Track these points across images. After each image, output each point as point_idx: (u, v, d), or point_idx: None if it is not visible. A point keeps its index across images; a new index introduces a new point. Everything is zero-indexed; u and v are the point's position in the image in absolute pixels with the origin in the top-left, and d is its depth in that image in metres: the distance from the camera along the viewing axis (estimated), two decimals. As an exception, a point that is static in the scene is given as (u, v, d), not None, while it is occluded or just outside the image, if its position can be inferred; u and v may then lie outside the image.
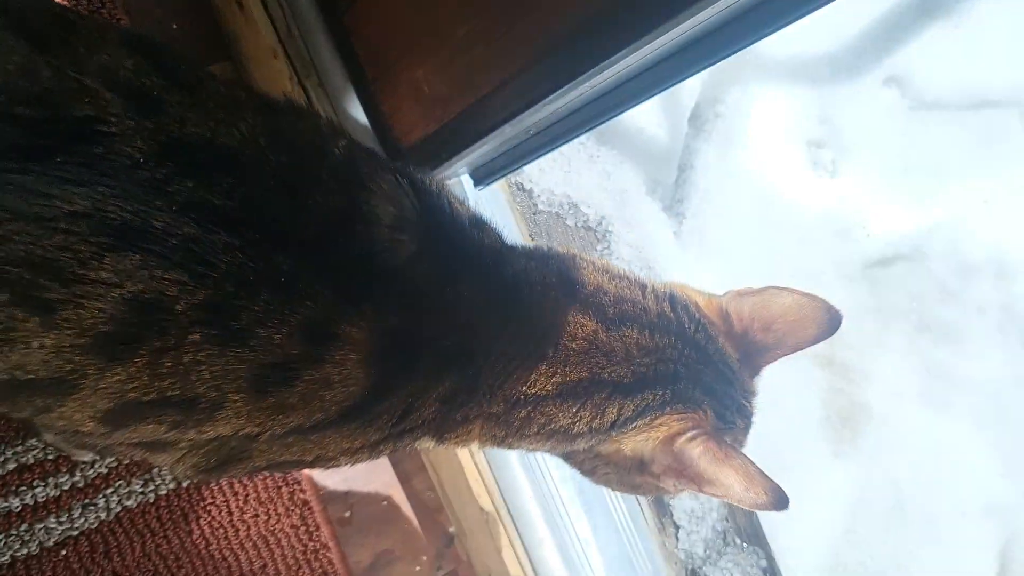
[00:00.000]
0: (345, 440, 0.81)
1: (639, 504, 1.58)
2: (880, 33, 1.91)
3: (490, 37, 1.05)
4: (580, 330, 0.85)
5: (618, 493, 1.50)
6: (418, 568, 1.52)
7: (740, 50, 0.94)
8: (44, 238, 0.62)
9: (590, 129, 1.21)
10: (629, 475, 0.94)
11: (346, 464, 0.89)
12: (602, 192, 1.57)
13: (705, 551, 1.62)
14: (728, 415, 0.90)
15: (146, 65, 0.70)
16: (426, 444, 0.91)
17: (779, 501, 0.84)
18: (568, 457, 0.99)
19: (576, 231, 1.56)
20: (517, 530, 1.45)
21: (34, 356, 0.66)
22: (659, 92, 1.10)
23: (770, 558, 1.70)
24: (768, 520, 1.72)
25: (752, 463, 0.85)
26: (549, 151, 1.29)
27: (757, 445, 1.72)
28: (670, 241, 1.66)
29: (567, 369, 0.85)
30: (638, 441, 0.90)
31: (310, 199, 0.73)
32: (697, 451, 0.86)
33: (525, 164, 1.31)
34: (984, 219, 2.03)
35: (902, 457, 1.91)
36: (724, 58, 0.95)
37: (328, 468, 0.92)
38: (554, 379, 0.86)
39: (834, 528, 1.83)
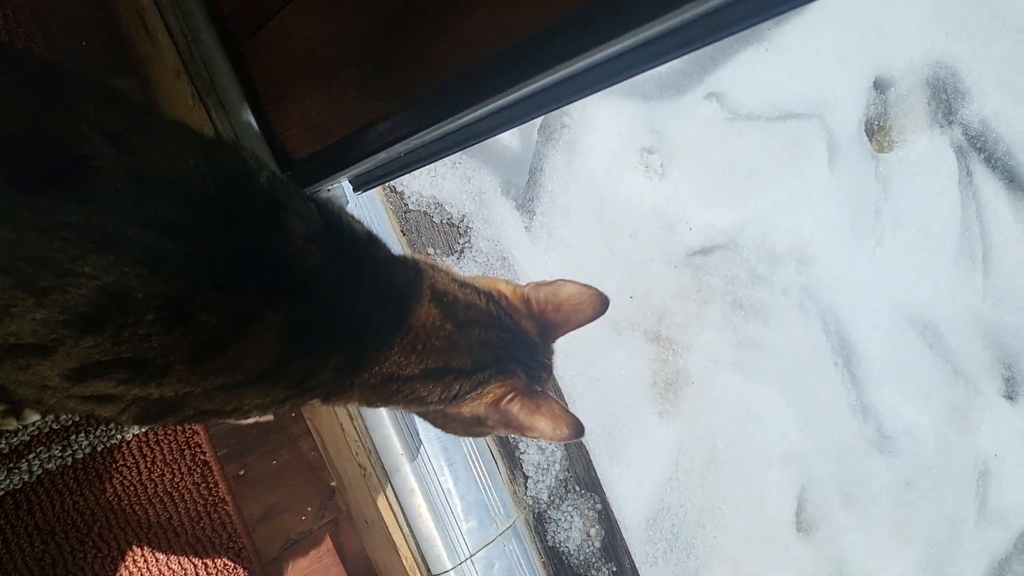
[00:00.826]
0: (258, 396, 1.03)
1: (494, 459, 1.86)
2: (701, 55, 2.22)
3: (366, 83, 1.28)
4: (441, 331, 1.12)
5: (474, 447, 1.78)
6: (303, 517, 1.75)
7: (584, 97, 1.21)
8: (46, 243, 0.83)
9: (455, 152, 1.46)
10: (471, 427, 1.22)
11: (256, 416, 1.12)
12: (463, 193, 1.82)
13: (549, 497, 1.92)
14: (535, 373, 1.19)
15: (118, 112, 0.92)
16: (315, 403, 1.16)
17: (578, 431, 1.14)
18: (423, 415, 1.26)
19: (441, 227, 1.81)
20: (390, 482, 1.70)
21: (27, 326, 0.86)
22: (515, 127, 1.37)
23: (604, 502, 2.01)
24: (603, 470, 2.03)
25: (558, 404, 1.15)
26: (419, 168, 1.53)
27: (596, 407, 2.03)
28: (522, 235, 1.93)
29: (428, 359, 1.12)
30: (473, 406, 1.18)
31: (242, 216, 0.96)
32: (515, 408, 1.15)
33: (398, 176, 1.55)
34: (788, 214, 2.39)
35: (717, 416, 2.24)
36: (573, 102, 1.22)
37: (240, 419, 1.16)
38: (420, 365, 1.12)
39: (659, 476, 2.15)
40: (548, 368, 1.25)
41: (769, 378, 2.35)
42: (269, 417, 1.73)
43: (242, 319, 0.94)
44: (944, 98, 2.97)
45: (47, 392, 1.02)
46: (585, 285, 1.23)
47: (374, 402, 1.18)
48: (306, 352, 1.01)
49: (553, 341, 1.25)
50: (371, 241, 1.13)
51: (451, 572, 1.73)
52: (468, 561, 1.74)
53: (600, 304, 1.24)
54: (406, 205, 1.76)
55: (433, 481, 1.72)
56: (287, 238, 0.98)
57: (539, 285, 1.24)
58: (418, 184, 1.76)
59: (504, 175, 1.91)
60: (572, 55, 1.05)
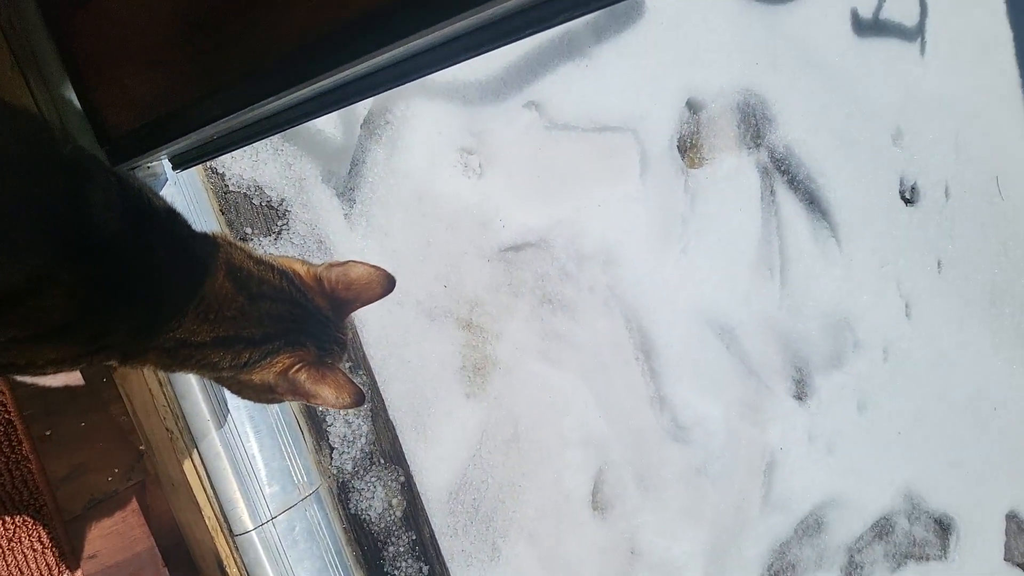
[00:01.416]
0: (51, 352, 1.12)
1: (300, 430, 1.98)
2: (522, 66, 2.41)
3: (185, 63, 1.38)
4: (234, 302, 1.23)
5: (281, 418, 1.90)
6: (109, 478, 1.82)
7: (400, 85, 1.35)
8: None
9: (271, 135, 1.57)
10: (263, 394, 1.34)
11: (52, 372, 1.21)
12: (283, 179, 1.93)
13: (353, 468, 2.05)
14: (327, 347, 1.32)
15: None
16: (112, 362, 1.25)
17: (359, 399, 1.28)
18: (219, 381, 1.37)
19: (260, 209, 1.92)
20: (196, 447, 1.80)
21: None
22: (329, 112, 1.49)
23: (408, 475, 2.16)
24: (409, 446, 2.18)
25: (344, 375, 1.28)
26: (237, 148, 1.64)
27: (407, 386, 2.17)
28: (341, 222, 2.05)
29: (219, 328, 1.22)
30: (263, 374, 1.30)
31: (43, 182, 1.05)
32: (302, 377, 1.28)
33: (216, 156, 1.65)
34: (598, 219, 2.60)
35: (521, 399, 2.42)
36: (383, 91, 1.35)
37: (37, 375, 1.24)
38: (211, 333, 1.23)
39: (463, 453, 2.31)
40: (341, 342, 1.38)
41: (572, 368, 2.55)
42: (79, 379, 1.79)
43: (36, 278, 1.03)
44: (753, 123, 3.27)
45: None
46: (374, 267, 1.37)
47: (169, 366, 1.28)
48: (99, 313, 1.10)
49: (345, 316, 1.39)
50: (170, 215, 1.24)
51: (252, 532, 1.84)
52: (269, 523, 1.85)
53: (387, 284, 1.38)
54: (227, 186, 1.86)
55: (238, 447, 1.82)
56: (87, 205, 1.08)
57: (331, 266, 1.37)
58: (239, 167, 1.86)
59: (326, 164, 2.03)
60: (384, 44, 1.17)
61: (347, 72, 1.26)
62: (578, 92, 2.56)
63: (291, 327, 1.28)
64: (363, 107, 2.11)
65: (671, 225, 2.87)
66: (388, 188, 2.14)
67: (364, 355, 2.08)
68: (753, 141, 3.29)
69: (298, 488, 1.91)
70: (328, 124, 2.02)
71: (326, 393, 1.28)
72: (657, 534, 2.78)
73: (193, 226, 1.29)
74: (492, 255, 2.37)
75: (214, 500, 1.82)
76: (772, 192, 3.33)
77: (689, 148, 3.04)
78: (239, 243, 1.33)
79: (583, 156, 2.59)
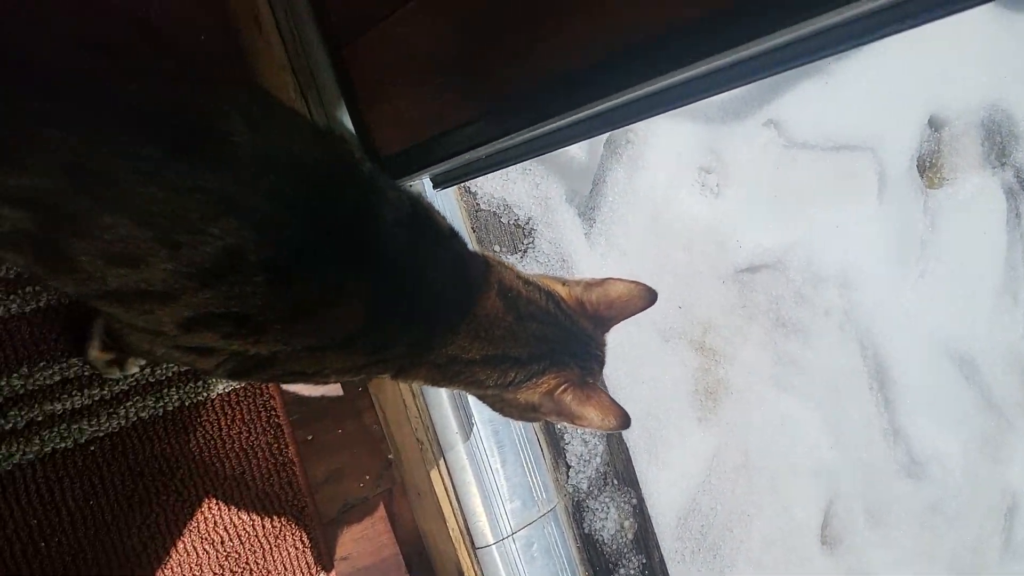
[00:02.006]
0: (339, 361, 1.18)
1: (540, 447, 1.99)
2: (762, 84, 2.34)
3: (460, 87, 1.42)
4: (503, 322, 1.24)
5: (523, 434, 1.91)
6: (361, 484, 1.90)
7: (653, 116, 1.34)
8: (185, 203, 0.97)
9: (533, 157, 1.59)
10: (525, 412, 1.34)
11: (334, 381, 1.26)
12: (531, 198, 1.96)
13: (588, 487, 2.04)
14: (588, 366, 1.30)
15: (251, 97, 1.07)
16: (386, 376, 1.30)
17: (625, 421, 1.25)
18: (482, 398, 1.39)
19: (508, 227, 1.95)
20: (444, 458, 1.84)
21: (157, 275, 1.00)
22: (592, 137, 1.50)
23: (640, 498, 2.13)
24: (641, 468, 2.15)
25: (608, 396, 1.27)
26: (496, 170, 1.67)
27: (640, 407, 2.15)
28: (581, 240, 2.06)
29: (489, 346, 1.24)
30: (528, 394, 1.30)
31: (342, 197, 1.10)
32: (567, 398, 1.27)
33: (475, 177, 1.69)
34: (835, 240, 2.49)
35: (753, 426, 2.35)
36: (654, 115, 1.34)
37: (319, 383, 1.30)
38: (481, 351, 1.25)
39: (693, 478, 2.26)
40: (601, 361, 1.37)
41: (805, 394, 2.45)
42: (337, 389, 1.87)
43: (332, 288, 1.08)
44: (998, 140, 3.05)
45: (158, 340, 1.17)
46: (633, 282, 1.34)
47: (438, 381, 1.31)
48: (384, 324, 1.15)
49: (606, 332, 1.37)
50: (452, 234, 1.27)
51: (492, 547, 1.87)
52: (509, 538, 1.87)
53: (649, 297, 1.34)
54: (478, 204, 1.90)
55: (483, 461, 1.85)
56: (378, 221, 1.12)
57: (589, 285, 1.35)
58: (490, 186, 1.89)
59: (569, 184, 2.04)
60: (666, 70, 1.16)
61: (628, 95, 1.25)
62: (817, 110, 2.47)
63: (556, 348, 1.28)
64: (606, 126, 2.11)
65: (909, 248, 2.71)
66: (628, 207, 2.13)
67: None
68: (998, 159, 3.06)
69: (537, 504, 1.92)
70: (577, 143, 2.03)
71: (592, 415, 1.27)
72: (889, 572, 2.62)
73: (468, 244, 1.31)
74: (727, 276, 2.31)
75: (458, 512, 1.86)
76: (1018, 214, 3.09)
77: (929, 167, 2.86)
78: (507, 263, 1.35)
79: (821, 175, 2.48)
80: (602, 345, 1.37)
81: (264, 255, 1.02)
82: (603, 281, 1.34)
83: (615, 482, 2.09)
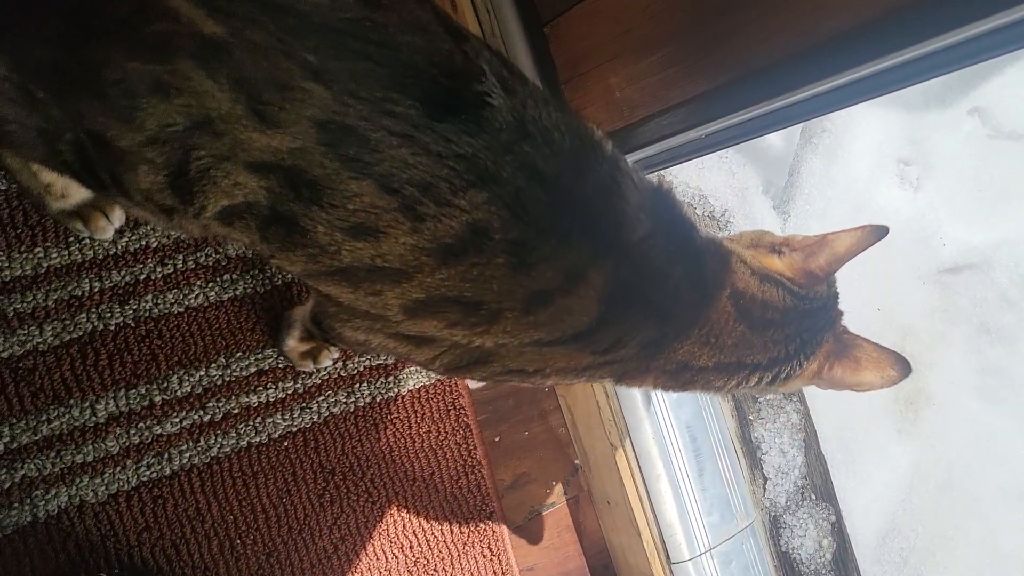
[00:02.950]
0: (563, 359, 1.07)
1: (737, 456, 1.85)
2: (967, 69, 2.15)
3: (683, 61, 1.31)
4: (734, 330, 1.11)
5: (721, 441, 1.78)
6: (548, 491, 1.79)
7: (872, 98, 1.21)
8: (436, 169, 0.88)
9: (736, 144, 1.47)
10: (787, 393, 1.22)
11: (554, 382, 1.16)
12: (727, 188, 1.83)
13: (786, 502, 1.89)
14: (837, 324, 1.19)
15: (501, 62, 0.97)
16: (607, 380, 1.19)
17: (905, 367, 1.13)
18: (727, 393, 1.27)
19: (702, 219, 1.83)
20: (639, 464, 1.72)
21: (395, 249, 0.92)
22: (803, 120, 1.37)
23: (838, 515, 1.96)
24: (839, 483, 1.98)
25: (873, 345, 1.15)
26: (701, 155, 1.56)
27: (838, 417, 1.99)
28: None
29: (721, 354, 1.12)
30: (792, 384, 1.18)
31: (589, 175, 1.00)
32: (838, 372, 1.15)
33: (680, 163, 1.57)
34: (1045, 240, 2.27)
35: (955, 440, 2.15)
36: (867, 100, 1.21)
37: (534, 384, 1.19)
38: (713, 359, 1.12)
39: (893, 497, 2.08)
40: (837, 301, 1.23)
41: (1012, 409, 2.23)
42: (525, 390, 1.78)
43: (572, 275, 0.97)
44: None
45: (377, 326, 1.08)
46: (858, 229, 1.20)
47: (669, 387, 1.19)
48: (618, 320, 1.03)
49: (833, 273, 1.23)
50: (692, 224, 1.15)
51: (689, 563, 1.73)
52: (708, 554, 1.74)
53: (878, 233, 1.20)
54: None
55: (680, 469, 1.72)
56: (624, 203, 1.01)
57: (810, 249, 1.19)
58: (686, 174, 1.78)
59: (765, 174, 1.91)
60: (884, 53, 1.05)
61: (858, 72, 1.13)
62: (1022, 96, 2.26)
63: (806, 336, 1.15)
64: (802, 113, 1.97)
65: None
66: (824, 200, 1.98)
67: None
68: None
69: (736, 518, 1.78)
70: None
71: (870, 378, 1.15)
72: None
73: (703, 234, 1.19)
74: (928, 277, 2.13)
75: (653, 523, 1.73)
76: None
77: None
78: (745, 252, 1.21)
79: (1029, 168, 2.27)
80: (835, 287, 1.23)
81: (510, 234, 0.92)
82: (823, 239, 1.19)
83: (813, 497, 1.93)
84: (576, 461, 1.83)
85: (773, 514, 1.89)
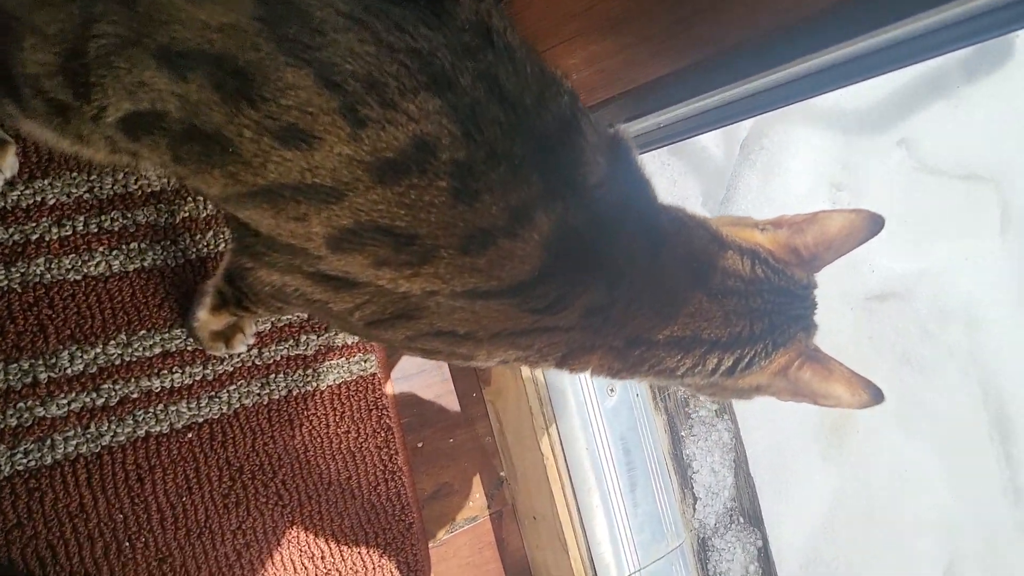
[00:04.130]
0: (499, 317, 0.93)
1: (669, 473, 1.77)
2: (902, 98, 2.18)
3: (651, 40, 1.24)
4: (691, 297, 1.00)
5: (654, 456, 1.69)
6: (471, 503, 1.67)
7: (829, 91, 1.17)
8: (385, 64, 0.76)
9: (698, 133, 1.41)
10: (746, 395, 1.12)
11: (486, 357, 1.02)
12: (667, 195, 1.76)
13: (715, 523, 1.82)
14: (809, 324, 1.09)
15: None
16: (549, 363, 1.06)
17: (878, 395, 1.03)
18: (684, 386, 1.17)
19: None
20: (570, 476, 1.62)
21: (329, 161, 0.79)
22: (767, 110, 1.33)
23: (765, 540, 1.90)
24: (766, 506, 1.93)
25: (846, 368, 1.05)
26: (656, 147, 1.49)
27: (767, 439, 1.94)
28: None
29: (675, 326, 1.00)
30: (754, 378, 1.09)
31: (547, 105, 0.89)
32: (807, 376, 1.05)
33: (646, 151, 1.50)
34: (963, 274, 2.30)
35: (876, 469, 2.13)
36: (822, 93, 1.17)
37: (470, 358, 1.04)
38: (665, 330, 1.01)
39: (816, 524, 2.04)
40: (815, 307, 1.13)
41: (928, 439, 2.24)
42: (451, 390, 1.66)
43: (518, 214, 0.85)
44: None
45: (295, 264, 0.93)
46: (853, 211, 1.11)
47: (616, 371, 1.07)
48: (563, 274, 0.91)
49: (818, 271, 1.15)
50: (648, 181, 1.05)
51: (617, 583, 1.64)
52: (637, 574, 1.64)
53: (873, 225, 1.11)
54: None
55: (612, 483, 1.63)
56: (583, 142, 0.90)
57: (798, 224, 1.09)
58: (630, 176, 1.71)
59: (705, 185, 1.87)
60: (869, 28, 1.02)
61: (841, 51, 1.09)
62: (946, 134, 2.30)
63: (776, 321, 1.04)
64: (743, 127, 1.94)
65: (1029, 292, 2.52)
66: (758, 217, 1.94)
67: (731, 402, 1.86)
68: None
69: (667, 538, 1.70)
70: (712, 140, 1.86)
71: (841, 391, 1.05)
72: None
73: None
74: (856, 303, 2.12)
75: (582, 540, 1.63)
76: None
77: (1044, 209, 2.69)
78: (714, 222, 1.11)
79: (948, 204, 2.31)
80: (815, 289, 1.14)
81: (458, 154, 0.81)
82: (815, 217, 1.09)
83: (741, 520, 1.86)
84: (501, 473, 1.71)
85: (702, 536, 1.81)
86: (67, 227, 1.29)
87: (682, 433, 1.78)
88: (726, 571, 1.82)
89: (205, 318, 1.32)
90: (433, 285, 0.88)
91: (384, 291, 0.91)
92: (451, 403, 1.66)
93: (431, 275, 0.87)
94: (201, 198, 1.40)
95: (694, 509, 1.79)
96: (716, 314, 1.02)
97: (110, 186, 1.33)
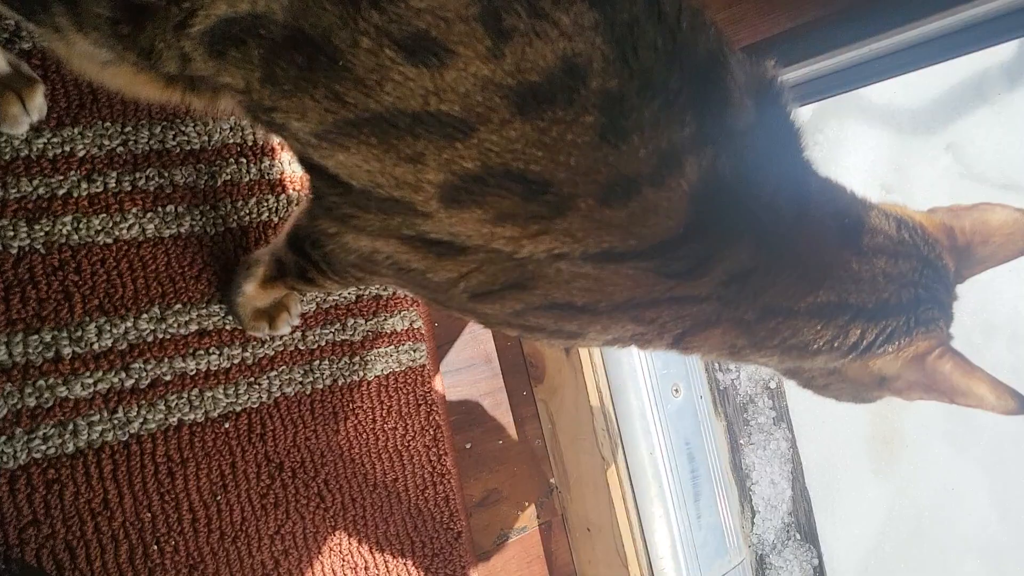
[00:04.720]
0: (628, 285, 0.80)
1: (730, 483, 1.64)
2: (950, 99, 2.10)
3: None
4: (836, 255, 0.86)
5: (718, 463, 1.56)
6: (520, 512, 1.52)
7: None
8: None
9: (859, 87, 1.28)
10: (866, 390, 0.99)
11: (595, 336, 0.87)
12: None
13: (774, 539, 1.69)
14: (951, 315, 0.97)
15: None
16: (662, 345, 0.93)
17: (1022, 404, 0.90)
18: (795, 373, 1.03)
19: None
20: (631, 483, 1.48)
21: (461, 83, 0.67)
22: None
23: (820, 559, 1.77)
24: (820, 522, 1.80)
25: (987, 372, 0.92)
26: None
27: (820, 451, 1.82)
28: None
29: (819, 291, 0.87)
30: (886, 361, 0.95)
31: (700, 36, 0.76)
32: (947, 367, 0.90)
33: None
34: (1010, 284, 2.22)
35: (926, 486, 2.02)
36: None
37: (575, 338, 0.90)
38: (807, 299, 0.90)
39: (869, 541, 1.92)
40: (955, 302, 1.02)
41: (975, 457, 2.13)
42: (501, 387, 1.51)
43: (668, 159, 0.72)
44: None
45: (395, 223, 0.78)
46: (1018, 209, 0.98)
47: (738, 348, 0.93)
48: (709, 232, 0.77)
49: (965, 279, 1.03)
50: (798, 129, 0.92)
51: (679, 602, 1.50)
52: (700, 592, 1.50)
53: None
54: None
55: (676, 490, 1.49)
56: (732, 80, 0.77)
57: (954, 211, 1.01)
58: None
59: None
60: None
61: None
62: (991, 140, 2.22)
63: (921, 295, 0.91)
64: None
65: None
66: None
67: (787, 408, 1.74)
68: None
69: (729, 553, 1.56)
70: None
71: (983, 391, 0.89)
72: None
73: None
74: (906, 311, 2.02)
75: (643, 554, 1.49)
76: None
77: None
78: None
79: (993, 212, 2.23)
80: (958, 285, 1.02)
81: (610, 84, 0.68)
82: (976, 205, 0.99)
83: (797, 536, 1.74)
84: (552, 479, 1.56)
85: (760, 552, 1.68)
86: (98, 183, 1.13)
87: (740, 440, 1.66)
88: (784, 591, 1.69)
89: (252, 292, 1.16)
90: (562, 246, 0.74)
91: (498, 256, 0.77)
92: (501, 401, 1.51)
93: (562, 233, 0.73)
94: (245, 160, 1.25)
95: (752, 523, 1.66)
96: (865, 275, 0.87)
97: (146, 140, 1.18)
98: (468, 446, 1.46)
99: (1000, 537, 2.13)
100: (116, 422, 1.12)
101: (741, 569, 1.57)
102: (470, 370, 1.48)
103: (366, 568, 1.31)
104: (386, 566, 1.33)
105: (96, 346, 1.11)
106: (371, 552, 1.32)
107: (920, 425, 2.03)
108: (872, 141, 1.93)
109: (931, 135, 2.04)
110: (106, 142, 1.14)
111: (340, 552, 1.29)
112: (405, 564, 1.35)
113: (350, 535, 1.30)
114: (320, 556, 1.27)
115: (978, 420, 2.11)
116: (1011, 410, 0.91)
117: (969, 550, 2.09)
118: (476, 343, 1.49)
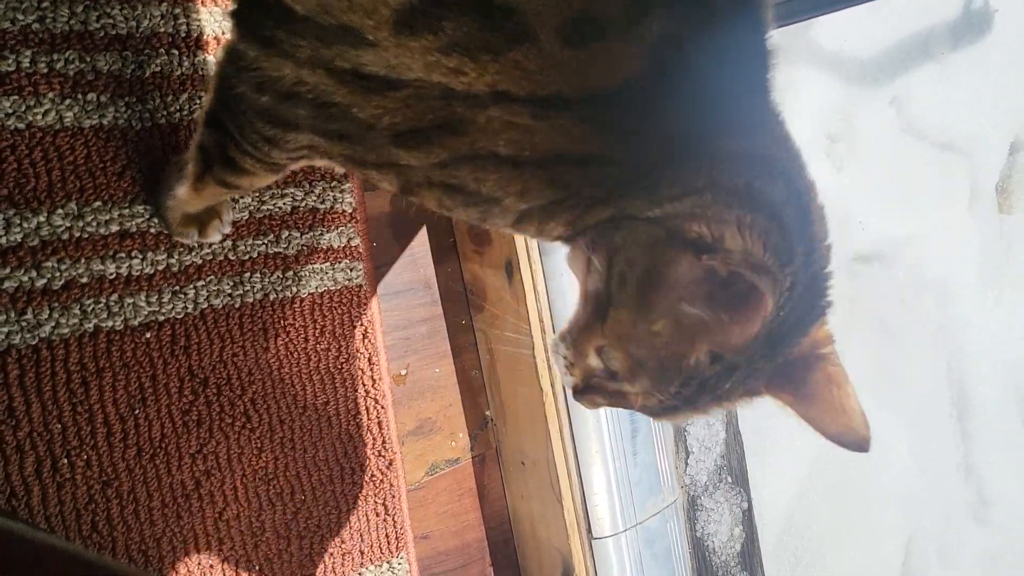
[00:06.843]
0: (560, 138, 0.72)
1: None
2: (898, 53, 2.10)
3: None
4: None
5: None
6: (453, 443, 1.47)
7: None
8: None
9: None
10: None
11: (508, 208, 0.80)
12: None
13: (706, 481, 1.68)
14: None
15: None
16: (560, 222, 0.80)
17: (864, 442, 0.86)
18: None
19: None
20: (569, 417, 1.44)
21: None
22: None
23: (750, 502, 1.78)
24: (751, 468, 1.80)
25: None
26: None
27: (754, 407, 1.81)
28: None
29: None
30: None
31: None
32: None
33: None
34: (940, 244, 2.25)
35: (852, 438, 2.05)
36: None
37: (488, 209, 0.81)
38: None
39: (794, 489, 1.93)
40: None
41: (897, 412, 2.17)
42: (439, 313, 1.45)
43: (637, 4, 0.67)
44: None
45: (329, 54, 0.72)
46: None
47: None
48: (657, 94, 0.70)
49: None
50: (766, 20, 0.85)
51: (610, 539, 1.47)
52: (633, 530, 1.48)
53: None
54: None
55: (614, 426, 1.46)
56: None
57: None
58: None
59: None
60: None
61: None
62: (932, 98, 2.24)
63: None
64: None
65: (988, 271, 2.49)
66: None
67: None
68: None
69: (663, 492, 1.54)
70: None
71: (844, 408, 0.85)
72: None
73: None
74: (843, 263, 2.02)
75: (577, 489, 1.46)
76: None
77: (1001, 191, 2.68)
78: None
79: (928, 171, 2.25)
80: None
81: None
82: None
83: (729, 480, 1.73)
84: (487, 412, 1.52)
85: (692, 494, 1.66)
86: (9, 61, 1.03)
87: (678, 381, 1.64)
88: (713, 532, 1.68)
89: (184, 195, 1.06)
90: (506, 84, 0.68)
91: (434, 88, 0.70)
92: (439, 328, 1.46)
93: (511, 67, 0.67)
94: (177, 51, 1.15)
95: (686, 464, 1.65)
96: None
97: (66, 19, 1.07)
98: (403, 372, 1.41)
99: (916, 489, 2.18)
100: (25, 324, 1.03)
101: (673, 509, 1.56)
102: (408, 294, 1.42)
103: (292, 493, 1.25)
104: (313, 492, 1.27)
105: (3, 240, 1.01)
106: (298, 477, 1.26)
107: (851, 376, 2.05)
108: (820, 87, 1.92)
109: (878, 87, 2.04)
110: (20, 16, 1.03)
111: (265, 475, 1.22)
112: (333, 490, 1.29)
113: (277, 458, 1.23)
114: (244, 479, 1.20)
115: (901, 376, 2.14)
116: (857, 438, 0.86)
117: (890, 500, 2.13)
118: (416, 267, 1.43)
